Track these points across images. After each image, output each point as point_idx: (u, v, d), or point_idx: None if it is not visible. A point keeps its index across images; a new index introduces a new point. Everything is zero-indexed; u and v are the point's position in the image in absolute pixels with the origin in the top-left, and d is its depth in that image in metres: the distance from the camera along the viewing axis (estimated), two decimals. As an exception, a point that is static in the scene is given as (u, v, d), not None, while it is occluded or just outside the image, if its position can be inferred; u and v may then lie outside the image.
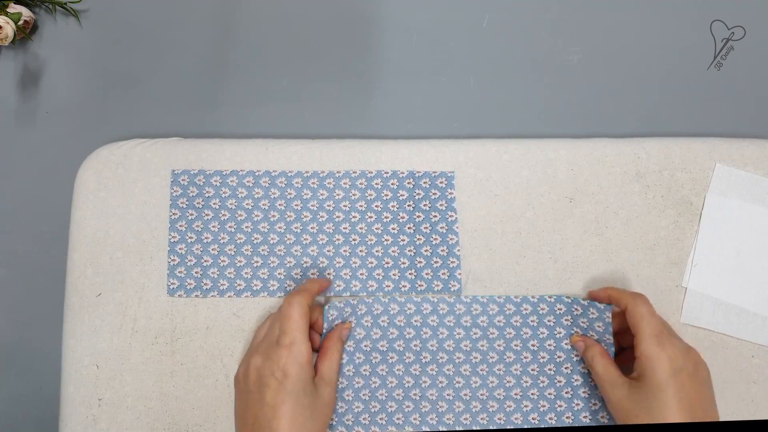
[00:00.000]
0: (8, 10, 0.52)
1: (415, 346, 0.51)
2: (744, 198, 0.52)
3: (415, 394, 0.51)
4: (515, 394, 0.51)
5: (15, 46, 0.55)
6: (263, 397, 0.42)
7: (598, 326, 0.49)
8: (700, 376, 0.43)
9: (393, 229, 0.52)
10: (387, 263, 0.52)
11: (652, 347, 0.42)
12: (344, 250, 0.52)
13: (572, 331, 0.51)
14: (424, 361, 0.51)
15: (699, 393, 0.42)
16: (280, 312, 0.45)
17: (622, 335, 0.48)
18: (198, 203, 0.52)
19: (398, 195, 0.53)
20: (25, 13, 0.53)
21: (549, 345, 0.51)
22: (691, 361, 0.43)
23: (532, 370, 0.51)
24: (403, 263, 0.52)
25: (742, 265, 0.52)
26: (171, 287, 0.51)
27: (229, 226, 0.52)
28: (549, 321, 0.51)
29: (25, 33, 0.53)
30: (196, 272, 0.51)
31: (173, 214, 0.52)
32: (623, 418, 0.43)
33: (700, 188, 0.53)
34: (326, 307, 0.51)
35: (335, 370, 0.46)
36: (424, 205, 0.53)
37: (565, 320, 0.51)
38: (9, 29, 0.51)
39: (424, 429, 0.50)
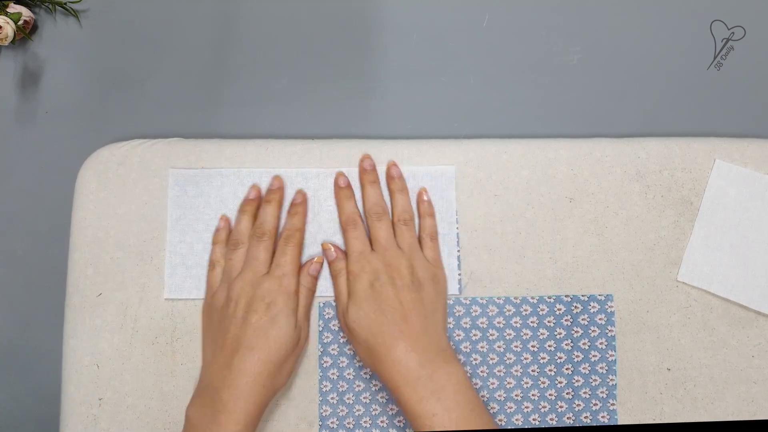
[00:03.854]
0: (8, 10, 0.52)
1: (415, 346, 0.51)
2: (742, 193, 0.52)
3: (415, 394, 0.51)
4: (516, 396, 0.51)
5: (15, 46, 0.55)
6: (248, 320, 0.46)
7: (600, 319, 0.49)
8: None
9: (393, 229, 0.52)
10: (387, 263, 0.52)
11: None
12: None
13: (572, 331, 0.51)
14: (424, 361, 0.51)
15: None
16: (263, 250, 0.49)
17: None
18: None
19: (398, 195, 0.53)
20: (25, 13, 0.53)
21: (549, 346, 0.51)
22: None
23: (532, 371, 0.51)
24: (403, 263, 0.52)
25: (738, 260, 0.52)
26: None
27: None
28: (549, 322, 0.51)
29: (25, 33, 0.53)
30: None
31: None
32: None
33: (700, 188, 0.53)
34: (321, 304, 0.51)
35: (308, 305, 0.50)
36: (424, 205, 0.52)
37: (565, 320, 0.51)
38: (9, 29, 0.51)
39: (424, 429, 0.50)
